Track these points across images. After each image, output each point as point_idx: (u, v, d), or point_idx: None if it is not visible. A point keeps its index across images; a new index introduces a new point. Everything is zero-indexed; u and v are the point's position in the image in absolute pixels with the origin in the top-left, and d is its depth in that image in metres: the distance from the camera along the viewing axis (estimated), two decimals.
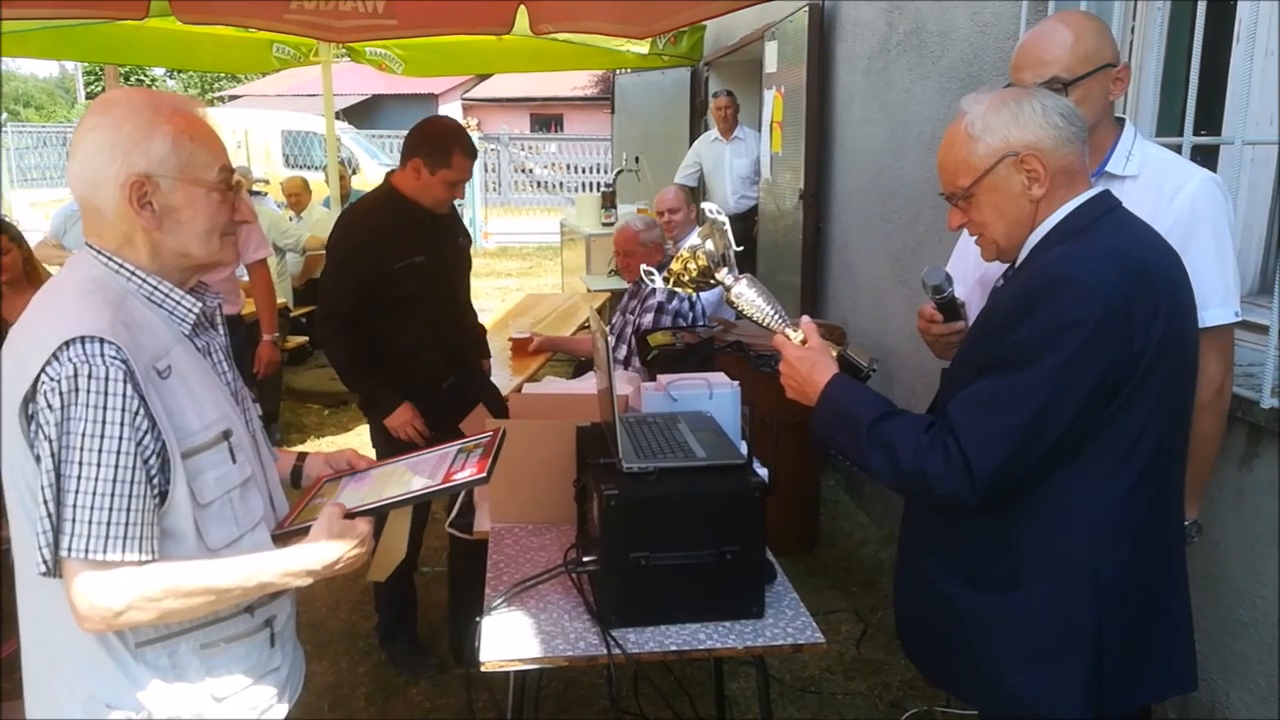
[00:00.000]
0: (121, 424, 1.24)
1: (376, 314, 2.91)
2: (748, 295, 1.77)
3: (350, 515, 1.48)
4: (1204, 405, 1.72)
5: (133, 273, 1.37)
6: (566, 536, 2.17)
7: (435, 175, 2.92)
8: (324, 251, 7.39)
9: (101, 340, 1.25)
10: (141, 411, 1.27)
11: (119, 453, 1.24)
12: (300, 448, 5.40)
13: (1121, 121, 1.85)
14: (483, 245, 14.70)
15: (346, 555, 1.43)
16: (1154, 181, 1.79)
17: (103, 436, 1.23)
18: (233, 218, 1.44)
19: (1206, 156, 2.47)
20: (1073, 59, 1.74)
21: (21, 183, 14.85)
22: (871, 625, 3.41)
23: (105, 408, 1.23)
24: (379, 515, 1.54)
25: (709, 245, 1.79)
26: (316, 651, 3.27)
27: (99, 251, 1.38)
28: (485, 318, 5.79)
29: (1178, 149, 2.22)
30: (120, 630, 1.31)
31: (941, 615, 1.61)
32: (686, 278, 1.83)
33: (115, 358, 1.25)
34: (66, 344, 1.24)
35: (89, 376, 1.23)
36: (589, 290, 6.34)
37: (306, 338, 6.95)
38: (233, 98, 25.11)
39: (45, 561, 1.24)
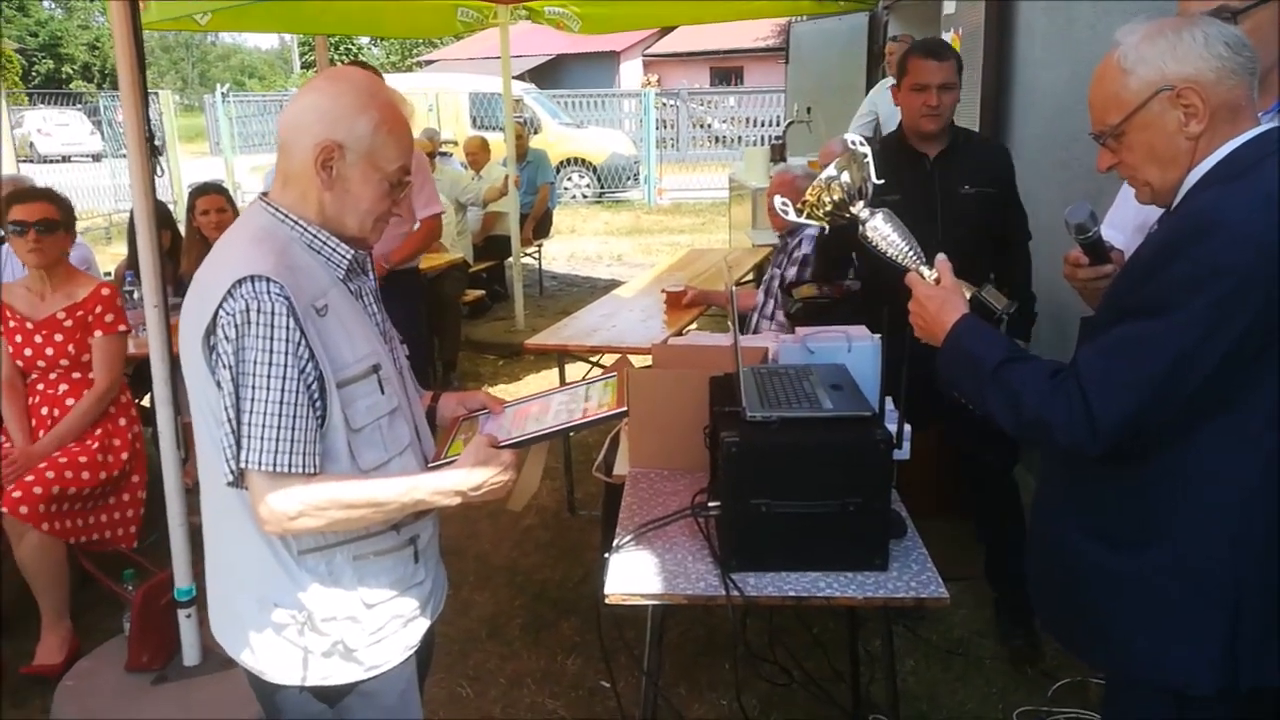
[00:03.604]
0: (286, 353, 1.39)
1: None
2: (882, 230, 1.74)
3: (499, 447, 1.59)
4: None
5: (295, 222, 1.52)
6: (699, 483, 2.22)
7: None
8: (501, 210, 7.71)
9: (268, 279, 1.40)
10: (303, 343, 1.41)
11: (285, 378, 1.39)
12: None
13: None
14: (658, 202, 14.85)
15: (490, 480, 1.54)
16: None
17: (271, 363, 1.39)
18: (391, 208, 1.58)
19: None
20: None
21: (244, 148, 16.20)
22: None
23: (273, 339, 1.39)
24: (523, 447, 1.65)
25: (845, 177, 1.76)
26: (479, 583, 3.50)
27: (268, 204, 1.54)
28: (653, 271, 5.91)
29: None
30: (295, 534, 1.48)
31: (1071, 572, 1.55)
32: (821, 210, 1.81)
33: (280, 295, 1.39)
34: (239, 282, 1.39)
35: (258, 310, 1.38)
36: (754, 245, 6.31)
37: (484, 292, 7.31)
38: (429, 62, 26.38)
39: (230, 472, 1.41)
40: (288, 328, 1.39)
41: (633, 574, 1.87)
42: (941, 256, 1.70)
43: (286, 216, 1.52)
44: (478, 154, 7.85)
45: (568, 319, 4.58)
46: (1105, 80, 1.48)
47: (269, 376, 1.38)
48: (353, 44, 35.77)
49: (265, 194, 1.58)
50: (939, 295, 1.64)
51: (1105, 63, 1.49)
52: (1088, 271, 1.72)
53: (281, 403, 1.39)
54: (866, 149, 1.78)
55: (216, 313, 1.39)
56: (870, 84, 7.55)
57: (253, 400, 1.38)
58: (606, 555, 1.94)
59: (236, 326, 1.38)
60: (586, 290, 8.36)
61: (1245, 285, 1.29)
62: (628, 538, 1.99)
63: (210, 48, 53.44)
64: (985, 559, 3.11)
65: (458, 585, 3.46)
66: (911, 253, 1.72)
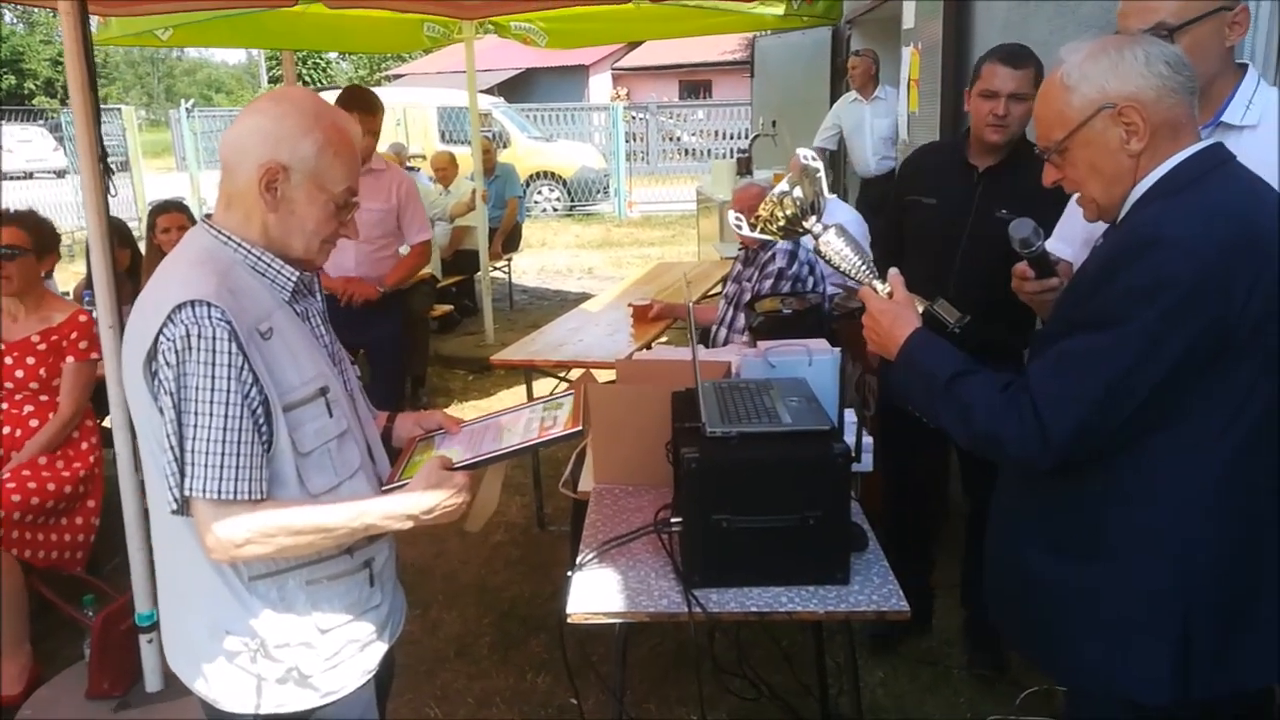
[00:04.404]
0: (229, 378, 1.38)
1: None
2: (835, 244, 1.75)
3: (453, 469, 1.58)
4: None
5: (239, 244, 1.51)
6: (664, 498, 2.21)
7: None
8: (469, 224, 7.70)
9: (208, 304, 1.38)
10: (246, 367, 1.40)
11: (228, 403, 1.38)
12: (446, 410, 5.69)
13: (1244, 67, 1.71)
14: (628, 215, 14.87)
15: (443, 503, 1.53)
16: (1274, 130, 1.64)
17: (213, 389, 1.37)
18: (338, 230, 1.58)
19: None
20: (1180, 3, 1.61)
21: (210, 164, 16.03)
22: None
23: (214, 364, 1.37)
24: (478, 469, 1.64)
25: (798, 191, 1.77)
26: (447, 602, 3.47)
27: (210, 226, 1.53)
28: (620, 285, 5.92)
29: None
30: (243, 561, 1.46)
31: (1025, 585, 1.57)
32: (774, 225, 1.82)
33: (221, 319, 1.38)
34: (179, 307, 1.38)
35: (199, 335, 1.37)
36: (721, 258, 6.33)
37: (453, 306, 7.28)
38: (397, 76, 26.31)
39: (175, 500, 1.39)
40: (229, 352, 1.38)
41: (596, 592, 1.86)
42: (894, 271, 1.72)
43: (230, 238, 1.51)
44: (446, 169, 7.83)
45: (535, 333, 4.57)
46: (1049, 97, 1.51)
47: (211, 403, 1.37)
48: (321, 59, 35.62)
49: (209, 216, 1.56)
50: (892, 309, 1.65)
51: (1050, 80, 1.51)
52: (1034, 285, 1.74)
53: (225, 429, 1.37)
54: (819, 164, 1.80)
55: (157, 338, 1.38)
56: (834, 97, 7.62)
57: (195, 427, 1.37)
58: (570, 574, 1.93)
59: (177, 352, 1.37)
60: (557, 304, 8.35)
61: (1190, 297, 1.31)
62: (590, 555, 1.98)
63: (176, 62, 53.01)
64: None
65: (426, 604, 3.43)
66: (864, 267, 1.73)
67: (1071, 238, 1.95)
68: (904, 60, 5.68)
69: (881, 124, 6.57)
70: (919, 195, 2.80)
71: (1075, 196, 1.59)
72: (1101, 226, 1.65)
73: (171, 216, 4.31)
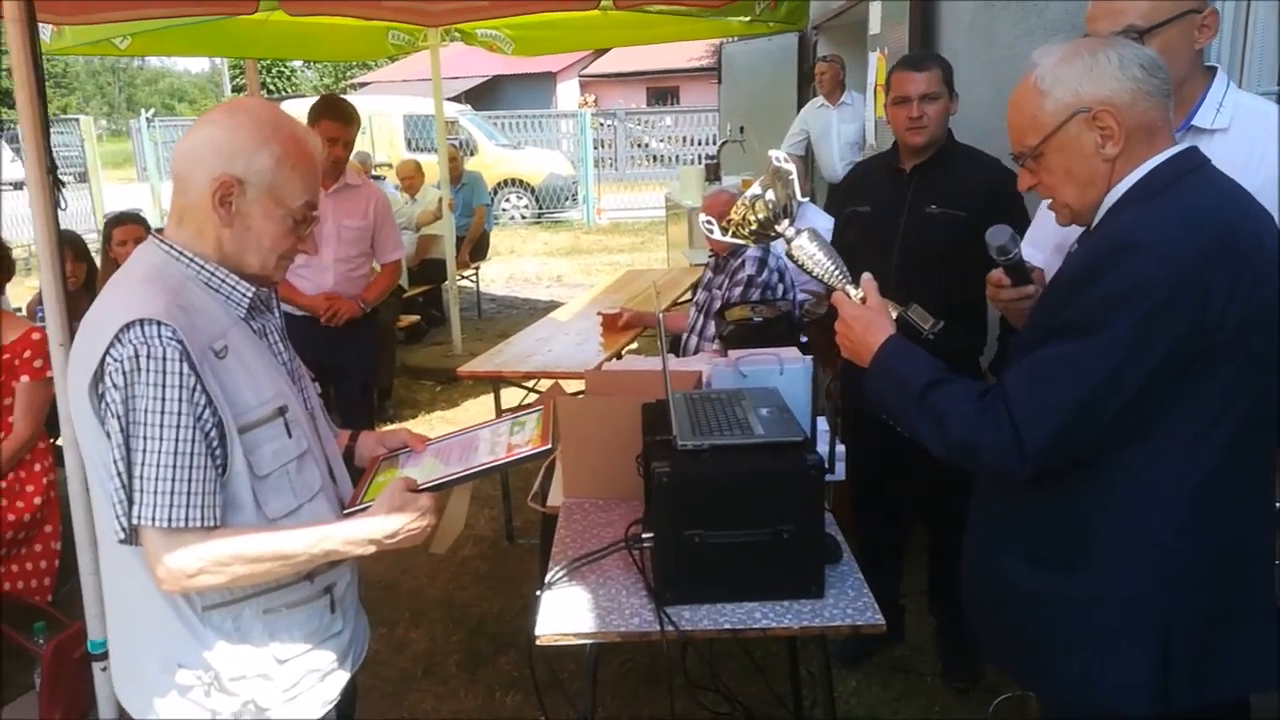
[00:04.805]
0: (180, 399, 1.32)
1: None
2: (808, 249, 1.72)
3: (417, 490, 1.52)
4: None
5: (191, 260, 1.45)
6: (634, 512, 2.17)
7: None
8: (436, 233, 7.62)
9: (158, 323, 1.32)
10: (198, 388, 1.34)
11: (179, 426, 1.31)
12: (411, 423, 5.61)
13: (1214, 71, 1.70)
14: (597, 222, 14.83)
15: (407, 527, 1.47)
16: (1246, 134, 1.64)
17: (163, 412, 1.31)
18: (296, 245, 1.51)
19: None
20: (1150, 5, 1.60)
21: (171, 175, 15.80)
22: None
23: (165, 385, 1.31)
24: (444, 489, 1.59)
25: (770, 195, 1.74)
26: (414, 619, 3.40)
27: (161, 241, 1.47)
28: (590, 293, 5.87)
29: None
30: (196, 591, 1.40)
31: (1003, 596, 1.54)
32: (746, 229, 1.79)
33: (171, 338, 1.32)
34: (127, 326, 1.32)
35: (148, 356, 1.31)
36: (691, 265, 6.31)
37: (419, 317, 7.19)
38: (362, 85, 26.09)
39: (123, 529, 1.33)
40: (181, 373, 1.32)
41: (565, 612, 1.81)
42: (867, 276, 1.69)
43: (181, 254, 1.45)
44: (412, 178, 7.75)
45: (503, 344, 4.51)
46: (1023, 102, 1.49)
47: (162, 426, 1.30)
48: (285, 67, 35.23)
49: (160, 230, 1.50)
50: (865, 315, 1.62)
51: (1023, 84, 1.49)
52: (1010, 292, 1.72)
53: (176, 453, 1.31)
54: (791, 167, 1.77)
55: (103, 359, 1.32)
56: (801, 103, 7.62)
57: (145, 451, 1.31)
58: (539, 593, 1.88)
59: (125, 374, 1.30)
60: (526, 312, 8.28)
61: (1168, 303, 1.29)
62: (560, 573, 1.93)
63: (138, 71, 52.25)
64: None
65: (392, 623, 3.36)
66: (837, 271, 1.70)
67: (1043, 243, 1.93)
68: (870, 65, 5.68)
69: (848, 129, 6.58)
70: (856, 205, 2.91)
71: (1047, 201, 1.57)
72: (1073, 231, 1.63)
73: (128, 229, 4.22)
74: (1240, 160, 1.57)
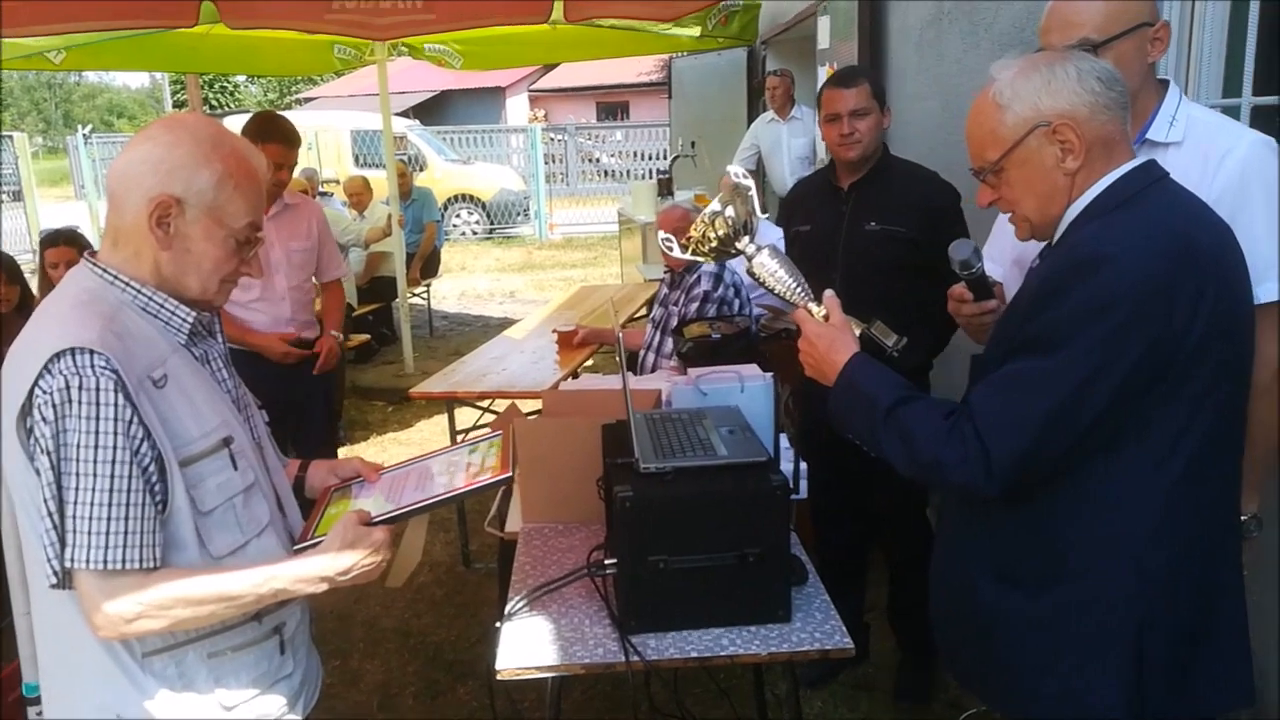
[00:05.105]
0: (115, 433, 1.24)
1: None
2: (769, 266, 1.69)
3: (370, 523, 1.46)
4: (1261, 389, 1.57)
5: (127, 284, 1.37)
6: (596, 536, 2.12)
7: None
8: (386, 250, 7.50)
9: (91, 351, 1.25)
10: (135, 420, 1.27)
11: (114, 461, 1.24)
12: (363, 445, 5.49)
13: (1166, 84, 1.71)
14: (549, 237, 14.77)
15: (361, 563, 1.41)
16: (1199, 147, 1.64)
17: (97, 446, 1.24)
18: (239, 268, 1.45)
19: (1271, 119, 2.28)
20: (1104, 18, 1.61)
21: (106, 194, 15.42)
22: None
23: (98, 418, 1.24)
24: (399, 522, 1.52)
25: (730, 211, 1.71)
26: (369, 650, 3.31)
27: (95, 264, 1.39)
28: (544, 310, 5.81)
29: (1237, 111, 2.05)
30: (135, 637, 1.32)
31: (971, 613, 1.52)
32: (706, 246, 1.76)
33: (105, 368, 1.25)
34: (57, 356, 1.24)
35: (80, 388, 1.23)
36: (645, 280, 6.28)
37: (369, 335, 7.07)
38: (308, 99, 25.74)
39: (55, 573, 1.25)
40: (116, 405, 1.24)
41: (526, 643, 1.75)
42: (829, 293, 1.66)
43: (116, 278, 1.37)
44: (360, 194, 7.62)
45: (457, 362, 4.43)
46: (982, 116, 1.47)
47: (95, 461, 1.23)
48: (228, 82, 34.65)
49: (93, 253, 1.42)
50: (828, 333, 1.60)
51: (981, 99, 1.48)
52: (971, 308, 1.71)
53: (112, 490, 1.23)
54: (750, 182, 1.74)
55: (32, 390, 1.24)
56: (751, 117, 7.66)
57: (77, 490, 1.23)
58: (498, 625, 1.82)
59: (55, 406, 1.23)
60: (479, 329, 8.19)
61: (1133, 318, 1.28)
62: (520, 603, 1.87)
63: (75, 87, 51.03)
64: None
65: (346, 654, 3.25)
66: (799, 289, 1.67)
67: (1001, 257, 1.93)
68: (820, 80, 5.72)
69: (798, 143, 6.62)
70: (798, 225, 2.91)
71: (1007, 215, 1.56)
72: (1030, 248, 1.63)
73: (62, 250, 4.04)
74: (1195, 173, 1.58)
